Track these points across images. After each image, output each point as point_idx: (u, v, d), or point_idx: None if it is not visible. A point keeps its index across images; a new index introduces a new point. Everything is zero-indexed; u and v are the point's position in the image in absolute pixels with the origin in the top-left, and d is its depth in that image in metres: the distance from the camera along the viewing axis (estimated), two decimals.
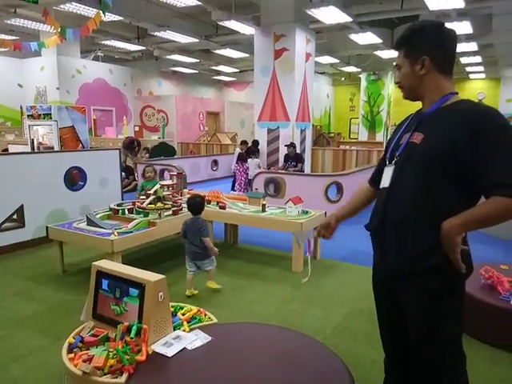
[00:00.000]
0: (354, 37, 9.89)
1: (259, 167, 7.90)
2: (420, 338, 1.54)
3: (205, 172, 10.45)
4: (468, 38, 9.90)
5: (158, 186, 4.30)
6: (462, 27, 8.58)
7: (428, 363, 1.53)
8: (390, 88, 15.59)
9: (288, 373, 1.74)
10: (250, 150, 8.89)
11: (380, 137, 15.28)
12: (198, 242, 3.33)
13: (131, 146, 8.38)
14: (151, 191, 4.14)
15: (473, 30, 8.81)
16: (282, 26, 8.23)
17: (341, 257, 4.43)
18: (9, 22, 8.66)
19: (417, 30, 1.50)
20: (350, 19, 8.29)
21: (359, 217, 6.17)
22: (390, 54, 12.00)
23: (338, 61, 13.43)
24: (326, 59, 12.73)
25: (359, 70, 15.32)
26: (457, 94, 1.50)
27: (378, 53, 11.92)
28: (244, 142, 8.89)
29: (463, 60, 13.28)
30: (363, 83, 15.78)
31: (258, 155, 8.86)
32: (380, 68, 14.84)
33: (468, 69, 15.21)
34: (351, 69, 15.31)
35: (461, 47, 10.73)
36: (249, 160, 7.95)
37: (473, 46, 10.67)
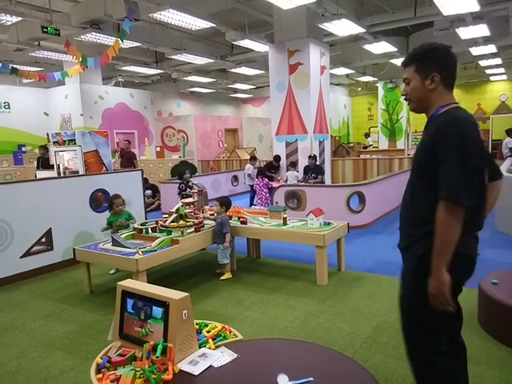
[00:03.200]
0: (368, 47, 9.88)
1: (298, 179, 8.06)
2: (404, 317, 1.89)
3: (225, 188, 10.54)
4: (486, 40, 9.74)
5: (179, 204, 4.37)
6: (479, 30, 8.45)
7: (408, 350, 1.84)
8: None
9: None
10: (271, 165, 8.93)
11: (401, 144, 15.07)
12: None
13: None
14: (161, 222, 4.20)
15: (490, 32, 8.66)
16: (296, 41, 8.33)
17: (366, 268, 4.34)
18: (33, 54, 9.09)
19: (429, 50, 1.70)
20: (363, 30, 8.30)
21: (382, 227, 6.17)
22: None
23: (353, 71, 13.43)
24: (341, 71, 12.74)
25: (375, 79, 15.25)
26: (456, 104, 1.68)
27: (394, 61, 11.86)
28: (253, 158, 8.97)
29: (482, 63, 13.03)
30: (380, 92, 15.67)
31: (278, 171, 8.90)
32: (397, 76, 14.73)
33: (488, 71, 14.90)
34: (367, 78, 15.26)
35: (479, 50, 10.56)
36: (288, 172, 8.33)
37: (491, 48, 10.48)
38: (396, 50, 10.47)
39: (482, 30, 8.47)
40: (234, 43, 9.03)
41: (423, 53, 1.70)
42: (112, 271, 4.58)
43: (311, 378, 1.79)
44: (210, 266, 4.59)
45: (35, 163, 9.24)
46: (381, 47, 10.05)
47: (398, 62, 11.99)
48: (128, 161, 9.05)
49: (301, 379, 1.78)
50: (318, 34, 8.51)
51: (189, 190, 6.44)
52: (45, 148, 9.00)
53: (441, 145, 1.53)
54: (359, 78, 15.31)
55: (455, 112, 1.62)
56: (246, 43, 8.78)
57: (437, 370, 1.72)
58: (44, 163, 8.40)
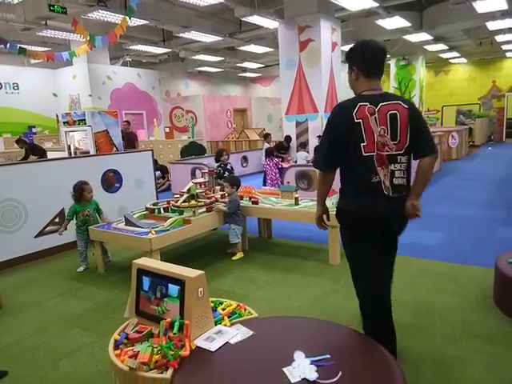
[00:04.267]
0: (380, 22, 9.59)
1: (307, 159, 8.00)
2: None
3: (235, 169, 10.48)
4: (503, 14, 9.37)
5: (190, 184, 4.35)
6: (496, 3, 8.12)
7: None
8: (421, 72, 15.05)
9: (334, 367, 1.70)
10: (281, 146, 8.84)
11: None
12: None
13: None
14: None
15: (508, 5, 8.33)
16: (306, 17, 8.11)
17: None
18: (41, 33, 9.00)
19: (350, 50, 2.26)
20: (376, 4, 8.04)
21: None
22: (420, 37, 11.56)
23: None
24: None
25: (388, 56, 14.87)
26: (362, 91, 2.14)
27: (407, 37, 11.51)
28: (267, 135, 8.89)
29: (498, 38, 12.61)
30: (393, 69, 15.30)
31: (288, 151, 8.83)
32: (410, 52, 14.34)
33: (504, 47, 14.43)
34: None
35: (495, 25, 10.18)
36: (298, 153, 8.27)
37: (509, 23, 10.08)
38: (410, 25, 10.16)
39: (499, 3, 8.15)
40: (243, 19, 8.83)
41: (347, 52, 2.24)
42: (81, 269, 4.11)
43: (328, 356, 1.79)
44: (222, 245, 4.61)
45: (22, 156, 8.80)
46: (394, 22, 9.75)
47: (412, 37, 11.64)
48: (130, 142, 8.74)
49: (317, 356, 1.78)
50: (329, 8, 8.27)
51: (227, 173, 5.81)
52: (22, 141, 8.88)
53: None
54: None
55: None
56: (255, 19, 8.57)
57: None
58: (33, 150, 8.27)
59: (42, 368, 2.44)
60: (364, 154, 2.02)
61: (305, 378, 1.65)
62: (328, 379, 1.63)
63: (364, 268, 2.18)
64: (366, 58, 2.11)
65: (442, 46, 13.72)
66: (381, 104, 2.02)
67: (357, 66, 2.11)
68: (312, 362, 1.74)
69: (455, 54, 15.50)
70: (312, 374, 1.66)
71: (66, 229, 4.12)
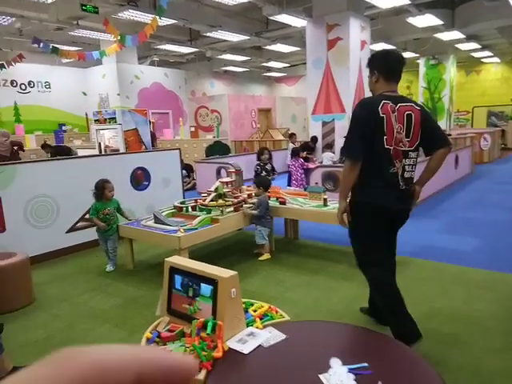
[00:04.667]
0: (411, 20, 9.37)
1: (333, 160, 7.91)
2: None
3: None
4: None
5: (218, 183, 4.35)
6: None
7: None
8: (451, 72, 14.62)
9: (373, 376, 1.63)
10: (306, 146, 8.75)
11: (442, 125, 14.38)
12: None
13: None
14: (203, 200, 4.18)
15: None
16: (335, 15, 7.99)
17: (409, 252, 4.19)
18: (72, 33, 9.22)
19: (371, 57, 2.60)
20: (407, 1, 7.85)
21: (424, 210, 5.94)
22: (452, 35, 11.24)
23: (393, 47, 12.81)
24: (382, 46, 12.18)
25: (417, 55, 14.52)
26: (383, 92, 2.41)
27: (438, 35, 11.19)
28: (292, 135, 8.81)
29: None
30: (422, 69, 14.92)
31: (314, 152, 8.72)
32: (440, 51, 13.95)
33: None
34: (408, 54, 14.53)
35: None
36: (324, 154, 8.17)
37: None
38: (441, 23, 9.87)
39: None
40: (270, 18, 8.79)
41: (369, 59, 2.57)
42: (110, 268, 4.06)
43: (365, 364, 1.72)
44: (248, 245, 4.57)
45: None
46: (425, 20, 9.50)
47: (443, 36, 11.33)
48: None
49: (354, 364, 1.72)
50: (358, 6, 8.13)
51: (265, 173, 5.66)
52: (47, 146, 8.97)
53: None
54: None
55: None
56: (283, 18, 8.52)
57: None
58: (58, 153, 8.35)
59: None
60: (385, 147, 2.29)
61: None
62: None
63: (377, 253, 2.46)
64: (388, 64, 2.39)
65: (474, 45, 13.30)
66: (399, 104, 2.31)
67: (378, 70, 2.39)
68: (350, 370, 1.68)
69: (488, 53, 15.00)
70: (350, 383, 1.60)
71: (105, 223, 3.96)
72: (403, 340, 2.04)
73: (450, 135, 11.15)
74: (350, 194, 2.46)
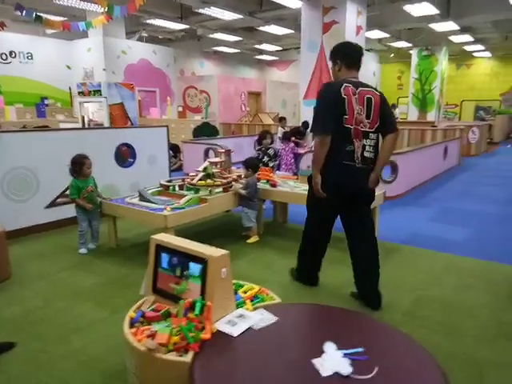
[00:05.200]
0: (408, 7, 9.23)
1: None
2: None
3: (248, 152, 10.29)
4: None
5: (206, 163, 4.20)
6: None
7: None
8: (443, 64, 14.59)
9: (369, 362, 1.55)
10: (297, 131, 8.60)
11: (432, 116, 14.41)
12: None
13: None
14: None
15: None
16: None
17: (400, 240, 4.15)
18: (57, 1, 8.78)
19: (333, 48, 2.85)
20: None
21: (414, 199, 5.91)
22: (446, 26, 11.15)
23: (388, 35, 12.69)
24: (376, 34, 12.05)
25: (410, 45, 14.43)
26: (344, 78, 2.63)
27: (433, 25, 11.09)
28: (282, 119, 8.66)
29: None
30: (414, 59, 14.85)
31: (304, 137, 8.58)
32: (433, 42, 13.89)
33: None
34: (402, 44, 14.45)
35: None
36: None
37: None
38: (438, 12, 9.76)
39: None
40: None
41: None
42: (84, 251, 3.78)
43: (361, 349, 1.64)
44: (236, 227, 4.46)
45: None
46: (421, 8, 9.38)
47: (438, 26, 11.24)
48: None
49: (348, 349, 1.64)
50: None
51: (266, 158, 5.29)
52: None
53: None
54: (393, 44, 14.50)
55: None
56: None
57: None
58: None
59: (50, 342, 2.33)
60: (344, 125, 2.51)
61: (337, 373, 1.50)
62: (363, 375, 1.49)
63: (318, 221, 2.88)
64: (349, 54, 2.67)
65: (467, 38, 13.27)
66: (360, 88, 2.54)
67: (340, 60, 2.65)
68: (345, 355, 1.60)
69: (480, 46, 15.02)
70: (346, 369, 1.52)
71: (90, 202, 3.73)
72: (301, 277, 3.08)
73: (435, 126, 11.17)
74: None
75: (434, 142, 8.59)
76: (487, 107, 17.43)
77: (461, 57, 17.38)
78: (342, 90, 2.48)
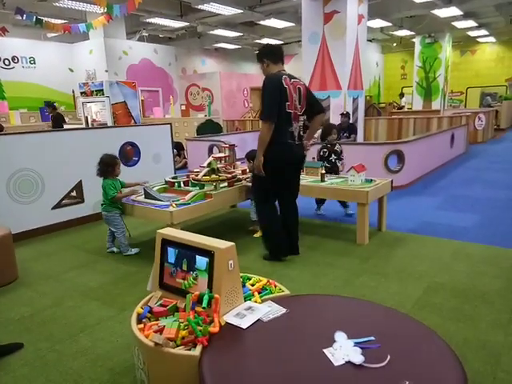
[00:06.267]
0: None
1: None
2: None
3: (252, 147, 10.26)
4: None
5: (211, 159, 4.17)
6: None
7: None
8: (447, 51, 14.39)
9: (381, 350, 1.52)
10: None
11: (436, 105, 14.24)
12: None
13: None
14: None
15: None
16: None
17: (408, 229, 4.09)
18: (57, 4, 8.79)
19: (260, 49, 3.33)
20: None
21: (422, 188, 5.84)
22: (449, 12, 11.00)
23: (390, 24, 12.54)
24: (378, 23, 11.92)
25: (413, 33, 14.25)
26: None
27: (436, 12, 10.95)
28: None
29: None
30: (417, 47, 14.67)
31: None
32: (436, 29, 13.70)
33: None
34: (404, 32, 14.28)
35: None
36: (319, 131, 7.94)
37: None
38: None
39: None
40: None
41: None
42: (136, 250, 3.72)
43: (372, 337, 1.61)
44: (242, 222, 4.44)
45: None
46: None
47: (440, 12, 11.10)
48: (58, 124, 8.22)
49: (359, 338, 1.60)
50: None
51: (333, 156, 4.61)
52: (52, 106, 8.69)
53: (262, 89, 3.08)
54: (395, 32, 14.34)
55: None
56: None
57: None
58: (54, 122, 8.09)
59: (59, 341, 2.32)
60: (287, 110, 3.06)
61: (349, 361, 1.47)
62: (376, 363, 1.45)
63: (269, 196, 3.32)
64: (273, 52, 3.14)
65: (470, 23, 13.07)
66: (292, 80, 3.09)
67: (267, 58, 3.12)
68: (356, 344, 1.57)
69: (484, 32, 14.79)
70: (357, 357, 1.48)
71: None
72: (272, 255, 3.38)
73: (439, 114, 11.01)
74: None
75: (440, 129, 8.47)
76: (493, 93, 17.18)
77: (465, 43, 17.14)
78: (282, 80, 2.99)
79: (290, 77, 3.09)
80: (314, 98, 3.30)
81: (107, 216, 3.67)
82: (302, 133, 3.24)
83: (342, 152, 4.68)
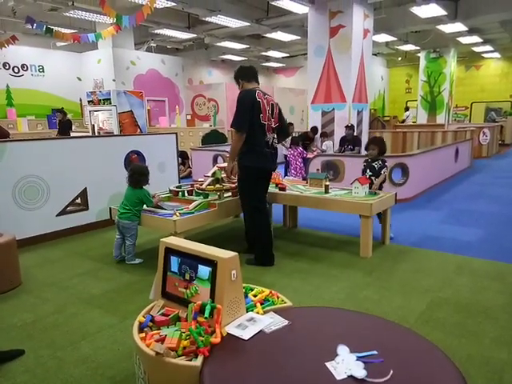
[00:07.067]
0: (415, 10, 9.18)
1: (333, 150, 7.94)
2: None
3: None
4: None
5: (215, 169, 4.19)
6: None
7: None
8: (452, 66, 14.48)
9: (384, 364, 1.51)
10: (306, 136, 8.59)
11: (441, 119, 14.26)
12: None
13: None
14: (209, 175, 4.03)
15: None
16: (339, 1, 7.79)
17: (412, 242, 4.08)
18: (67, 14, 8.94)
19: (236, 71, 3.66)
20: None
21: (426, 202, 5.84)
22: (454, 27, 11.08)
23: (395, 39, 12.64)
24: (383, 37, 12.01)
25: (418, 48, 14.36)
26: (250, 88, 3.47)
27: (441, 27, 11.03)
28: (290, 124, 8.68)
29: None
30: (422, 62, 14.76)
31: (312, 142, 8.58)
32: (441, 44, 13.79)
33: None
34: (409, 47, 14.38)
35: None
36: (325, 142, 8.13)
37: None
38: (445, 13, 9.71)
39: None
40: (272, 3, 8.57)
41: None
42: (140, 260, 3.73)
43: (375, 352, 1.60)
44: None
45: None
46: (429, 10, 9.33)
47: (445, 28, 11.17)
48: (64, 131, 8.44)
49: (362, 352, 1.59)
50: None
51: (369, 172, 4.28)
52: (62, 112, 8.82)
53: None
54: (400, 47, 14.44)
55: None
56: (285, 4, 8.31)
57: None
58: (62, 127, 8.20)
59: (60, 348, 2.32)
60: (261, 122, 3.32)
61: (351, 376, 1.46)
62: (378, 378, 1.44)
63: (259, 201, 3.49)
64: (246, 73, 3.49)
65: (475, 39, 13.16)
66: (266, 96, 3.41)
67: (241, 78, 3.46)
68: (358, 358, 1.56)
69: (489, 47, 14.87)
70: (360, 372, 1.47)
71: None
72: (259, 260, 3.52)
73: (443, 128, 11.03)
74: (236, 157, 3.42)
75: (445, 143, 8.48)
76: (498, 108, 17.20)
77: (470, 58, 17.23)
78: (256, 95, 3.26)
79: (264, 93, 3.39)
80: (284, 121, 3.70)
81: (129, 225, 3.59)
82: (275, 144, 3.56)
83: (382, 168, 4.25)
